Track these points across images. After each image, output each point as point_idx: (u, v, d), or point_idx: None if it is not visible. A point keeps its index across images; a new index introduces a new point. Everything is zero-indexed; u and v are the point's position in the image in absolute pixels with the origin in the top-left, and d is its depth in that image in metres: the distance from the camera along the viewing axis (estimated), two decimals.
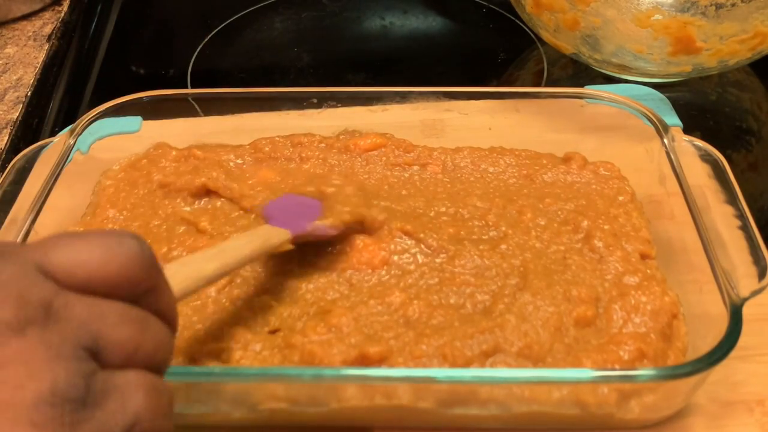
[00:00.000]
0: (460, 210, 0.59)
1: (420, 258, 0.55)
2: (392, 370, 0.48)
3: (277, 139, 0.66)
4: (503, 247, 0.56)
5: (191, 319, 0.52)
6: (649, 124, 0.62)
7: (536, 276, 0.53)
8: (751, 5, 0.71)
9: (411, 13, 0.96)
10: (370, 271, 0.54)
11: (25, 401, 0.29)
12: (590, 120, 0.66)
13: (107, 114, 0.65)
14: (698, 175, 0.57)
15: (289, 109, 0.68)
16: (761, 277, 0.49)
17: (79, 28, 0.92)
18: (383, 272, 0.54)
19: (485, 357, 0.49)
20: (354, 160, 0.65)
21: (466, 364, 0.48)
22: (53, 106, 0.82)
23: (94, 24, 0.96)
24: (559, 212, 0.59)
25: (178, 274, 0.40)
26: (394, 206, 0.59)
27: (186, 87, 0.84)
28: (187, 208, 0.61)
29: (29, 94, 0.79)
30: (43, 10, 0.90)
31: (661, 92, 0.70)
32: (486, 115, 0.68)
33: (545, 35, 0.82)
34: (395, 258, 0.55)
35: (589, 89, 0.66)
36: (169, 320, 0.36)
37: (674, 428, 0.50)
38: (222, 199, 0.61)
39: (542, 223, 0.58)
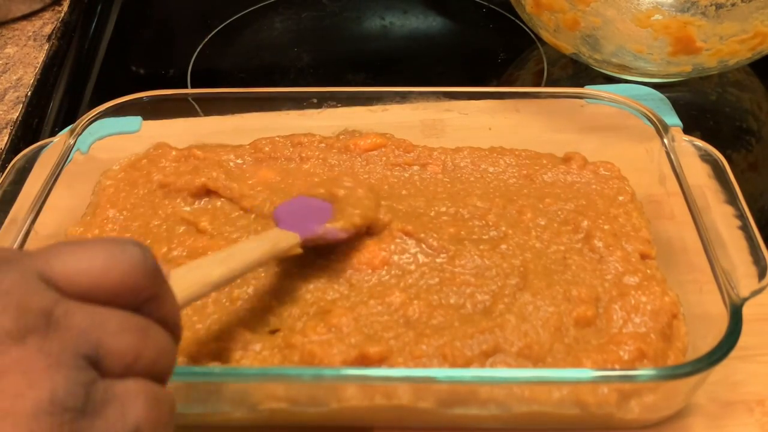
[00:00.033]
0: (461, 210, 0.59)
1: (420, 258, 0.55)
2: (392, 370, 0.48)
3: (277, 139, 0.66)
4: (503, 247, 0.56)
5: (191, 319, 0.52)
6: (649, 124, 0.62)
7: (536, 276, 0.53)
8: (751, 5, 0.71)
9: (411, 13, 0.96)
10: (370, 271, 0.54)
11: (25, 410, 0.29)
12: (590, 120, 0.66)
13: (107, 114, 0.65)
14: (698, 175, 0.57)
15: (289, 109, 0.68)
16: (761, 277, 0.49)
17: (79, 28, 0.92)
18: (383, 272, 0.54)
19: (485, 357, 0.49)
20: (354, 160, 0.65)
21: (466, 364, 0.48)
22: (53, 106, 0.82)
23: (94, 24, 0.96)
24: (559, 212, 0.59)
25: (184, 279, 0.40)
26: (395, 206, 0.59)
27: (186, 87, 0.84)
28: (187, 208, 0.61)
29: (29, 94, 0.79)
30: (43, 10, 0.90)
31: (661, 92, 0.70)
32: (486, 115, 0.68)
33: (545, 35, 0.82)
34: (395, 258, 0.55)
35: (589, 89, 0.66)
36: (172, 328, 0.35)
37: (674, 428, 0.50)
38: (222, 199, 0.61)
39: (542, 223, 0.58)
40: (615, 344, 0.49)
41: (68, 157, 0.61)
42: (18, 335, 0.30)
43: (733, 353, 0.45)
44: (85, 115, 0.64)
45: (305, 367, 0.48)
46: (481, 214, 0.59)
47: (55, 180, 0.59)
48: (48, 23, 0.88)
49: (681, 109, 0.69)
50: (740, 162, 0.75)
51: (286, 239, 0.51)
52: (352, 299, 0.52)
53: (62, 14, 0.90)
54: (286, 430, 0.50)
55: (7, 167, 0.60)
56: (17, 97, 0.78)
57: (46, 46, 0.85)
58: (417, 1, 0.98)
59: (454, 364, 0.48)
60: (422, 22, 0.96)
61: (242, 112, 0.68)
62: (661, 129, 0.61)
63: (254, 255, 0.47)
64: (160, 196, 0.62)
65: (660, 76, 0.79)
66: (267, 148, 0.65)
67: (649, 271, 0.54)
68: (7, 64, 0.82)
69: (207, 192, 0.62)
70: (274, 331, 0.51)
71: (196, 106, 0.68)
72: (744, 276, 0.49)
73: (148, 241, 0.58)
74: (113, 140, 0.65)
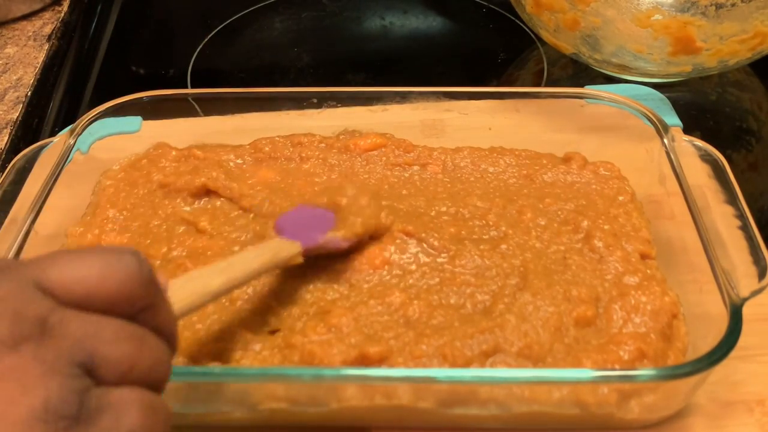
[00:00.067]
0: (461, 210, 0.59)
1: (421, 258, 0.55)
2: (392, 370, 0.48)
3: (277, 139, 0.66)
4: (503, 247, 0.56)
5: (191, 319, 0.51)
6: (649, 124, 0.62)
7: (536, 276, 0.53)
8: (751, 5, 0.71)
9: (411, 13, 0.96)
10: (371, 271, 0.54)
11: (19, 417, 0.29)
12: (590, 120, 0.66)
13: (107, 114, 0.65)
14: (698, 175, 0.57)
15: (289, 109, 0.68)
16: (761, 277, 0.49)
17: (79, 28, 0.92)
18: (384, 272, 0.54)
19: (485, 357, 0.49)
20: (354, 160, 0.65)
21: (466, 364, 0.48)
22: (53, 106, 0.82)
23: (94, 24, 0.96)
24: (559, 212, 0.59)
25: (183, 289, 0.40)
26: (395, 206, 0.59)
27: (186, 87, 0.84)
28: (187, 208, 0.61)
29: (29, 94, 0.79)
30: (43, 10, 0.90)
31: (661, 92, 0.70)
32: (486, 115, 0.68)
33: (545, 35, 0.82)
34: (396, 258, 0.55)
35: (589, 89, 0.66)
36: (167, 337, 0.35)
37: (674, 428, 0.50)
38: (222, 199, 0.61)
39: (542, 223, 0.58)
40: (615, 344, 0.49)
41: (68, 157, 0.61)
42: (13, 342, 0.30)
43: (733, 353, 0.45)
44: (85, 115, 0.64)
45: (305, 367, 0.48)
46: (482, 214, 0.59)
47: (55, 180, 0.59)
48: (48, 23, 0.88)
49: (681, 109, 0.69)
50: (740, 162, 0.75)
51: (287, 249, 0.51)
52: (352, 299, 0.52)
53: (62, 14, 0.90)
54: (286, 430, 0.50)
55: (7, 167, 0.60)
56: (17, 97, 0.78)
57: (46, 46, 0.85)
58: (417, 1, 0.98)
59: (454, 364, 0.48)
60: (422, 22, 0.96)
61: (242, 112, 0.68)
62: (661, 129, 0.61)
63: (254, 264, 0.47)
64: (160, 196, 0.62)
65: (660, 76, 0.79)
66: (267, 148, 0.65)
67: (649, 271, 0.54)
68: (7, 64, 0.82)
69: (207, 192, 0.62)
70: (274, 331, 0.51)
71: (196, 106, 0.68)
72: (744, 276, 0.49)
73: (148, 241, 0.58)
74: (113, 140, 0.65)
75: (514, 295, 0.52)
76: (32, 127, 0.78)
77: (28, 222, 0.56)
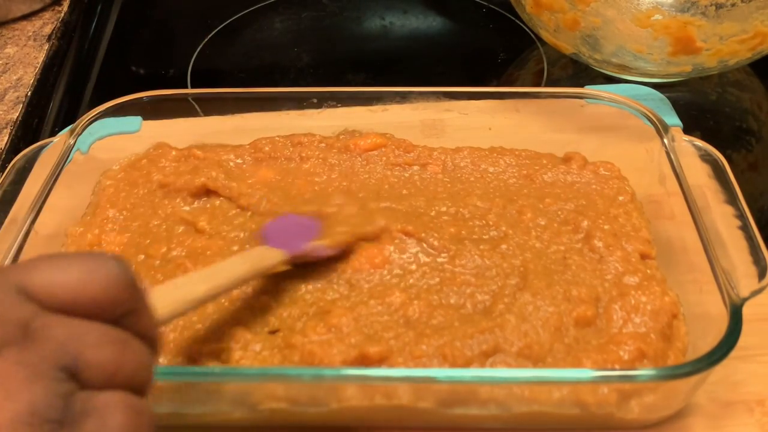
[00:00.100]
0: (461, 210, 0.59)
1: (421, 258, 0.55)
2: (392, 370, 0.48)
3: (277, 139, 0.66)
4: (503, 247, 0.56)
5: (191, 318, 0.52)
6: (649, 124, 0.62)
7: (536, 276, 0.53)
8: (751, 5, 0.71)
9: (411, 13, 0.96)
10: (371, 271, 0.54)
11: (3, 422, 0.29)
12: (590, 120, 0.66)
13: (107, 114, 0.65)
14: (698, 175, 0.57)
15: (289, 109, 0.68)
16: (761, 277, 0.49)
17: (79, 28, 0.92)
18: (384, 272, 0.54)
19: (485, 357, 0.49)
20: (354, 160, 0.65)
21: (466, 364, 0.48)
22: (53, 106, 0.82)
23: (94, 24, 0.96)
24: (559, 212, 0.59)
25: (167, 296, 0.40)
26: (395, 206, 0.59)
27: (186, 87, 0.84)
28: (187, 208, 0.61)
29: (29, 94, 0.79)
30: (43, 10, 0.90)
31: (661, 92, 0.70)
32: (486, 115, 0.68)
33: (545, 35, 0.82)
34: (396, 258, 0.55)
35: (589, 89, 0.66)
36: (150, 342, 0.35)
37: (674, 428, 0.50)
38: (221, 199, 0.61)
39: (542, 223, 0.58)
40: (615, 344, 0.49)
41: (68, 157, 0.61)
42: None
43: (733, 353, 0.45)
44: (85, 115, 0.64)
45: (305, 367, 0.48)
46: (482, 214, 0.59)
47: (55, 180, 0.59)
48: (48, 23, 0.88)
49: (681, 109, 0.69)
50: (740, 162, 0.75)
51: (272, 256, 0.51)
52: (352, 299, 0.52)
53: (62, 14, 0.90)
54: (286, 430, 0.50)
55: (7, 167, 0.60)
56: (17, 97, 0.78)
57: (46, 46, 0.85)
58: (417, 1, 0.98)
59: (454, 364, 0.48)
60: (422, 22, 0.96)
61: (242, 112, 0.68)
62: (661, 129, 0.61)
63: (239, 272, 0.48)
64: (160, 196, 0.62)
65: (660, 76, 0.79)
66: (267, 148, 0.65)
67: (649, 271, 0.54)
68: (7, 64, 0.82)
69: (206, 192, 0.62)
70: (274, 331, 0.51)
71: (196, 106, 0.68)
72: (744, 276, 0.49)
73: (148, 241, 0.58)
74: (113, 140, 0.65)
75: (514, 295, 0.52)
76: (32, 127, 0.78)
77: (28, 222, 0.56)
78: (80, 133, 0.63)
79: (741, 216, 0.54)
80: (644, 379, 0.45)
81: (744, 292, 0.48)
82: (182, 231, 0.59)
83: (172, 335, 0.51)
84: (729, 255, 0.51)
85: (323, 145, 0.65)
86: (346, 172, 0.64)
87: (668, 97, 0.70)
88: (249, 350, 0.50)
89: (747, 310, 0.47)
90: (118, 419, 0.32)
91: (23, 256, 0.54)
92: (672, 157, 0.59)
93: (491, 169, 0.64)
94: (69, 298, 0.32)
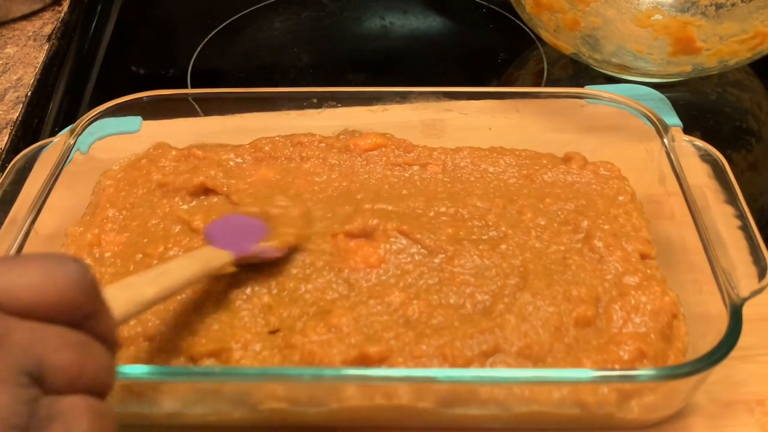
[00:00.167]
0: (460, 210, 0.59)
1: (417, 258, 0.55)
2: (392, 370, 0.48)
3: (277, 138, 0.66)
4: (503, 247, 0.56)
5: (190, 318, 0.52)
6: (649, 124, 0.62)
7: (536, 276, 0.53)
8: (751, 5, 0.71)
9: (411, 13, 0.96)
10: (368, 270, 0.54)
11: None
12: (590, 120, 0.66)
13: (107, 114, 0.65)
14: (698, 175, 0.57)
15: (289, 109, 0.68)
16: (761, 277, 0.49)
17: (79, 28, 0.92)
18: (382, 272, 0.54)
19: (485, 357, 0.49)
20: (354, 160, 0.65)
21: (466, 364, 0.48)
22: (53, 106, 0.82)
23: (94, 24, 0.96)
24: (559, 212, 0.59)
25: (119, 297, 0.40)
26: (390, 207, 0.59)
27: (186, 87, 0.84)
28: (185, 207, 0.61)
29: (29, 94, 0.79)
30: (43, 10, 0.90)
31: (661, 92, 0.70)
32: (486, 115, 0.68)
33: (545, 35, 0.82)
34: (392, 258, 0.55)
35: (589, 89, 0.66)
36: (110, 344, 0.35)
37: (674, 428, 0.50)
38: (219, 197, 0.61)
39: (542, 223, 0.58)
40: (615, 344, 0.49)
41: (68, 157, 0.61)
42: None
43: (733, 353, 0.45)
44: (85, 115, 0.64)
45: (305, 367, 0.48)
46: (481, 214, 0.59)
47: (55, 180, 0.59)
48: (48, 23, 0.88)
49: (681, 109, 0.69)
50: (740, 162, 0.75)
51: (218, 258, 0.51)
52: (351, 299, 0.52)
53: (62, 14, 0.90)
54: (286, 430, 0.50)
55: (7, 167, 0.60)
56: (17, 97, 0.78)
57: (46, 46, 0.85)
58: (417, 1, 0.98)
59: (454, 364, 0.48)
60: (422, 22, 0.96)
61: (242, 112, 0.68)
62: (661, 129, 0.61)
63: (186, 274, 0.47)
64: (159, 195, 0.62)
65: (660, 76, 0.79)
66: (267, 148, 0.65)
67: (649, 271, 0.54)
68: (7, 64, 0.82)
69: (205, 191, 0.62)
70: (274, 331, 0.51)
71: (196, 106, 0.68)
72: (744, 276, 0.49)
73: (146, 240, 0.58)
74: (113, 140, 0.65)
75: (514, 295, 0.52)
76: (32, 127, 0.78)
77: (28, 222, 0.56)
78: (80, 133, 0.63)
79: (741, 216, 0.54)
80: (644, 379, 0.45)
81: (744, 292, 0.48)
82: (179, 230, 0.59)
83: (171, 335, 0.51)
84: (729, 255, 0.51)
85: (323, 145, 0.65)
86: (346, 172, 0.64)
87: (668, 97, 0.70)
88: (249, 350, 0.50)
89: (747, 310, 0.47)
90: (84, 424, 0.31)
91: None
92: (672, 157, 0.59)
93: (491, 169, 0.64)
94: (29, 302, 0.32)
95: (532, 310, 0.51)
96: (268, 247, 0.54)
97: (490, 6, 0.96)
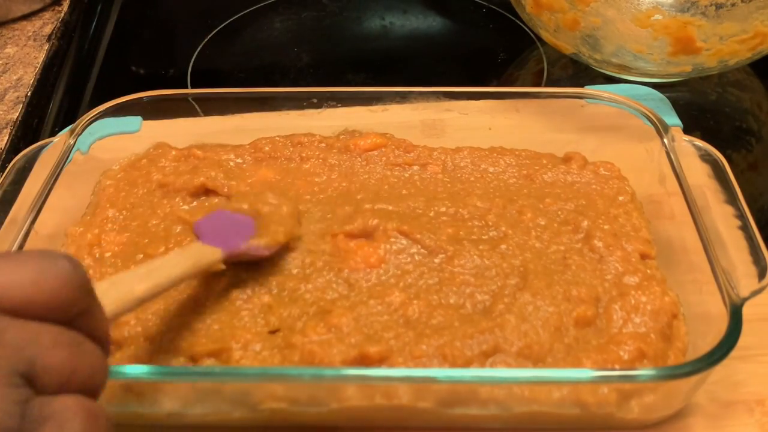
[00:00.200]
0: (460, 210, 0.59)
1: (417, 258, 0.55)
2: (392, 370, 0.48)
3: (277, 138, 0.66)
4: (503, 247, 0.56)
5: (189, 318, 0.52)
6: (649, 124, 0.62)
7: (536, 276, 0.53)
8: (751, 5, 0.71)
9: (411, 13, 0.96)
10: (368, 270, 0.54)
11: None
12: (590, 120, 0.66)
13: (107, 114, 0.65)
14: (698, 175, 0.57)
15: (289, 109, 0.68)
16: (761, 277, 0.49)
17: (79, 28, 0.92)
18: (382, 272, 0.54)
19: (485, 357, 0.49)
20: (354, 160, 0.65)
21: (466, 364, 0.48)
22: (53, 106, 0.82)
23: (94, 24, 0.96)
24: (559, 212, 0.59)
25: (109, 294, 0.39)
26: (390, 207, 0.59)
27: (186, 87, 0.84)
28: (185, 207, 0.61)
29: (29, 94, 0.79)
30: (43, 10, 0.90)
31: (661, 92, 0.70)
32: (486, 115, 0.68)
33: (545, 35, 0.82)
34: (392, 258, 0.55)
35: (589, 89, 0.66)
36: (102, 343, 0.35)
37: (674, 428, 0.50)
38: (219, 198, 0.61)
39: (542, 223, 0.58)
40: (615, 344, 0.49)
41: (68, 157, 0.61)
42: None
43: (733, 353, 0.45)
44: (85, 115, 0.64)
45: (305, 367, 0.48)
46: (481, 214, 0.59)
47: (55, 180, 0.59)
48: (48, 23, 0.88)
49: (681, 109, 0.69)
50: (740, 162, 0.75)
51: (209, 254, 0.51)
52: (352, 299, 0.52)
53: (62, 14, 0.90)
54: (286, 430, 0.50)
55: (7, 167, 0.60)
56: (17, 97, 0.78)
57: (46, 46, 0.85)
58: (417, 1, 0.98)
59: (454, 364, 0.48)
60: (422, 22, 0.96)
61: (242, 112, 0.68)
62: (661, 129, 0.61)
63: (176, 271, 0.47)
64: (159, 195, 0.62)
65: (660, 76, 0.79)
66: (267, 148, 0.65)
67: (649, 271, 0.54)
68: (7, 64, 0.82)
69: (206, 191, 0.62)
70: (274, 331, 0.51)
71: (196, 106, 0.68)
72: (744, 276, 0.49)
73: (146, 240, 0.58)
74: (113, 140, 0.65)
75: (514, 295, 0.52)
76: (32, 127, 0.78)
77: (28, 222, 0.56)
78: (80, 133, 0.63)
79: (741, 216, 0.54)
80: (644, 379, 0.45)
81: (744, 292, 0.48)
82: (180, 231, 0.59)
83: (171, 335, 0.51)
84: (729, 255, 0.51)
85: (323, 145, 0.65)
86: (346, 172, 0.64)
87: (668, 97, 0.70)
88: (249, 350, 0.49)
89: (747, 310, 0.47)
90: (77, 425, 0.31)
91: None
92: (672, 157, 0.59)
93: (491, 169, 0.64)
94: (21, 300, 0.31)
95: (532, 310, 0.51)
96: (257, 245, 0.54)
97: (490, 6, 0.96)
